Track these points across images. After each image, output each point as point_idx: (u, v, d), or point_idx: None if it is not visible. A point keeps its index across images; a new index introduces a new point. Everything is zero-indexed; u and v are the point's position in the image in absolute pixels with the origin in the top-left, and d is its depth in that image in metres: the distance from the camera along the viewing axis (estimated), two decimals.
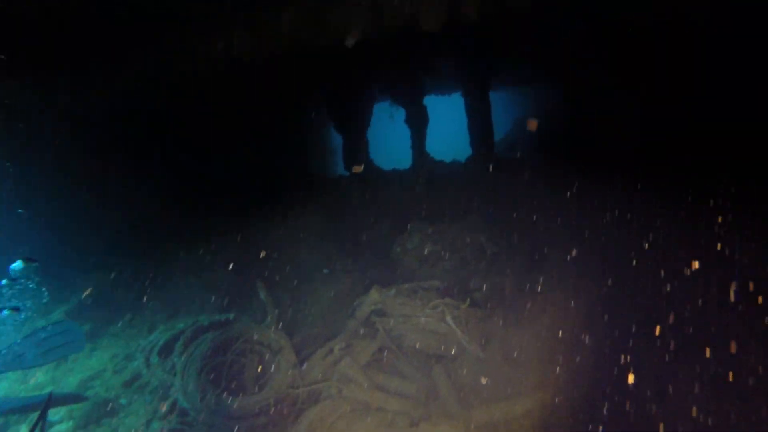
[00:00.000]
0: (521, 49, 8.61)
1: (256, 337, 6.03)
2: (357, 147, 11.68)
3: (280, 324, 6.46)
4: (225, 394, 5.11)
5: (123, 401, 5.72)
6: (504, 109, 21.44)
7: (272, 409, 5.20)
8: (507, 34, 6.91)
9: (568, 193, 8.73)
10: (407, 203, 9.03)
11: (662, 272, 5.32)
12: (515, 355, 4.87)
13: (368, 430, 4.51)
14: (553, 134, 12.60)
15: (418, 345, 5.34)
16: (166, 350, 5.79)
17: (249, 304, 7.43)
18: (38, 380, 6.31)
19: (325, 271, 7.37)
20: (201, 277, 8.64)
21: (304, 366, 5.46)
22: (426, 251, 7.21)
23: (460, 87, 11.52)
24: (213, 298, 7.96)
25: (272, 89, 9.19)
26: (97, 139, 7.65)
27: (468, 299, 5.65)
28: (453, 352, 5.12)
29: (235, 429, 4.92)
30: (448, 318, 5.32)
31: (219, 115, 8.80)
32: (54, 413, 5.53)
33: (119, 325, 7.31)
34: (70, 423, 5.48)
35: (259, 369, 5.55)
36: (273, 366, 5.52)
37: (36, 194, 8.30)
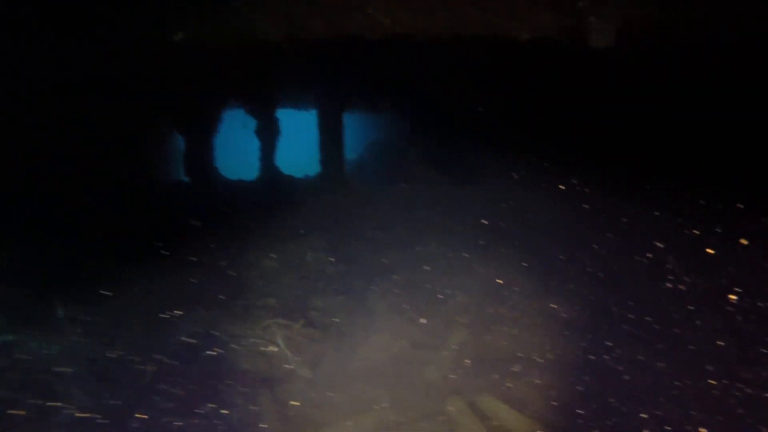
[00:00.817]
0: (371, 76, 8.89)
1: (41, 364, 5.02)
2: (200, 152, 10.85)
3: (81, 346, 5.51)
4: None
5: None
6: (359, 131, 21.99)
7: None
8: (354, 58, 7.06)
9: (417, 220, 9.17)
10: (249, 216, 8.56)
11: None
12: (347, 378, 4.79)
13: None
14: (404, 161, 13.26)
15: (245, 367, 4.96)
16: None
17: (43, 324, 6.21)
18: None
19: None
20: None
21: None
22: (264, 267, 6.85)
23: (314, 103, 11.49)
24: None
25: (96, 86, 8.11)
26: None
27: (302, 320, 5.46)
28: (282, 375, 4.84)
29: None
30: (279, 339, 5.05)
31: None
32: None
33: None
34: None
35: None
36: (62, 401, 4.61)
37: None
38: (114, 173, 9.55)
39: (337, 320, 5.70)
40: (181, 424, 4.35)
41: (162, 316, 5.99)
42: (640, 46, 5.73)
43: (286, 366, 4.90)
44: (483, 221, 8.70)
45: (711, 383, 4.28)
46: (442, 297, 6.10)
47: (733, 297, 5.32)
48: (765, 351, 4.64)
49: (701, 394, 4.18)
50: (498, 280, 6.06)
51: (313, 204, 9.53)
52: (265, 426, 4.10)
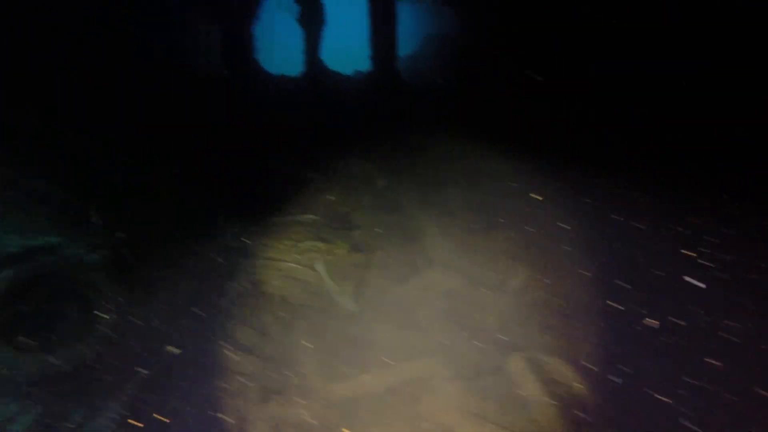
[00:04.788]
0: None
1: (79, 275, 4.81)
2: (238, 41, 9.91)
3: (117, 255, 5.27)
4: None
5: None
6: (414, 24, 20.00)
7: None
8: None
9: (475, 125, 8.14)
10: (289, 117, 7.83)
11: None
12: (396, 312, 4.29)
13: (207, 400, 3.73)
14: (461, 59, 11.80)
15: (281, 294, 4.56)
16: None
17: (82, 227, 6.01)
18: None
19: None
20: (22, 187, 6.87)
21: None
22: (305, 178, 6.25)
23: None
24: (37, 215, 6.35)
25: None
26: None
27: (346, 243, 4.91)
28: (320, 305, 4.41)
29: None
30: (319, 265, 4.55)
31: None
32: None
33: None
34: None
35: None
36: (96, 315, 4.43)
37: None
38: (148, 65, 8.86)
39: (387, 244, 5.10)
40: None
41: (194, 227, 5.64)
42: None
43: (326, 295, 4.45)
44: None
45: None
46: (504, 221, 5.34)
47: None
48: None
49: None
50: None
51: (361, 105, 8.64)
52: (301, 368, 3.73)
